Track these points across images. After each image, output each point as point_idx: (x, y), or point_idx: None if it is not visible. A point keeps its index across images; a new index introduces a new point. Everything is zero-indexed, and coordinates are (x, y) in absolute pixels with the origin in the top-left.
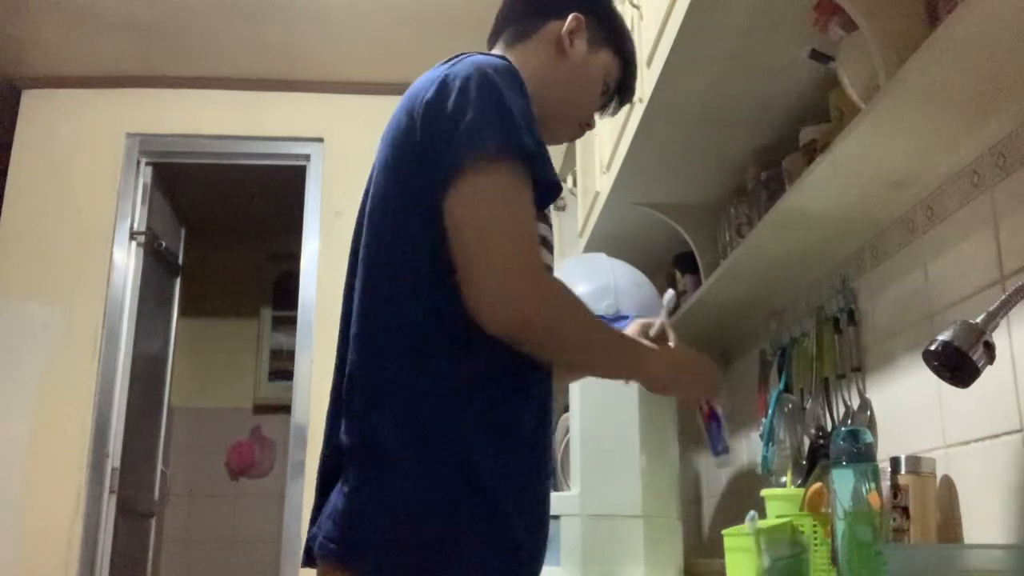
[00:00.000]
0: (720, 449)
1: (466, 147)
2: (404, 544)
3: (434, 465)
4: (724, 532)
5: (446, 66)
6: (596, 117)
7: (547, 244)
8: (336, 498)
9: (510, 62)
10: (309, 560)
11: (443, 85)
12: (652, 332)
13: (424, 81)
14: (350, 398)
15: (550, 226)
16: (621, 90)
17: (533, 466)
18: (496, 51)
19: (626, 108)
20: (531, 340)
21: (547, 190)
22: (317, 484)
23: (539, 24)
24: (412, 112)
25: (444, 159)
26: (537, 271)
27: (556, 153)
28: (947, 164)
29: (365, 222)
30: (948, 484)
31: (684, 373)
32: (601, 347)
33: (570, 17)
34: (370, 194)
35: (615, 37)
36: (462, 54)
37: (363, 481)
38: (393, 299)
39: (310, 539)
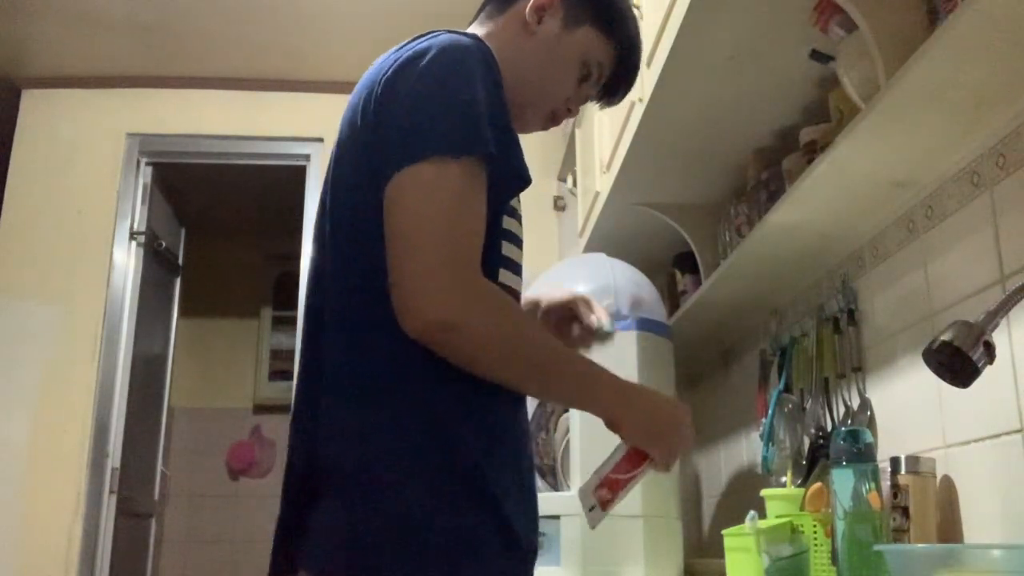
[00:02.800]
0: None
1: (413, 143)
2: (420, 565)
3: (436, 474)
4: (724, 532)
5: (412, 44)
6: (596, 107)
7: (515, 240)
8: (329, 515)
9: (481, 40)
10: (275, 568)
11: (405, 65)
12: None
13: (386, 58)
14: (336, 405)
15: (519, 221)
16: (618, 76)
17: (520, 455)
18: (471, 29)
19: (626, 108)
20: (452, 347)
21: (510, 183)
22: (291, 495)
23: (513, 1)
24: (372, 90)
25: (391, 151)
26: (465, 271)
27: (556, 153)
28: (947, 164)
29: (329, 212)
30: (948, 484)
31: (656, 423)
32: (541, 368)
33: None
34: (330, 183)
35: (601, 14)
36: (431, 32)
37: (361, 496)
38: (366, 297)
39: (287, 557)
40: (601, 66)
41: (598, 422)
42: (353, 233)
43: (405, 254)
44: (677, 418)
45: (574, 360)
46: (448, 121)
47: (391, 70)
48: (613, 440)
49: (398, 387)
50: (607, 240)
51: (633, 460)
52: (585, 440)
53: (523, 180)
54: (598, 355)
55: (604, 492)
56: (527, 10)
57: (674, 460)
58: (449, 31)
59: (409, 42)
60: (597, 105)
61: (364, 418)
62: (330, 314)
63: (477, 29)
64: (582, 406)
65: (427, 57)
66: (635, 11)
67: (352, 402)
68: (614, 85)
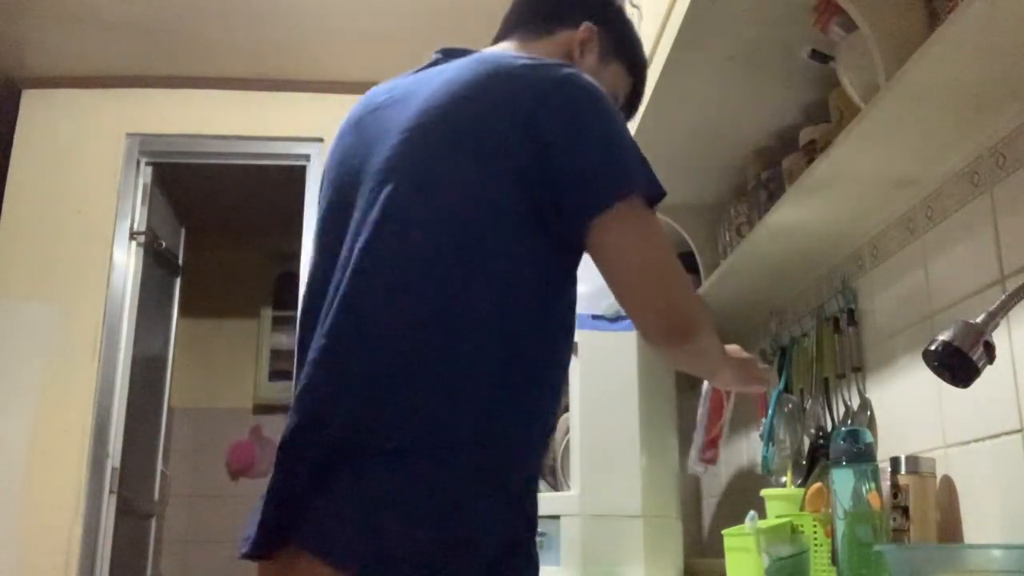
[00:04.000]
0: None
1: (613, 185)
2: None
3: (499, 491)
4: (724, 532)
5: (539, 68)
6: None
7: None
8: (349, 501)
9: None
10: (265, 544)
11: (572, 98)
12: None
13: (524, 82)
14: (396, 384)
15: None
16: (629, 103)
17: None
18: (509, 45)
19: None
20: (685, 348)
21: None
22: (301, 466)
23: (552, 28)
24: (514, 114)
25: (591, 188)
26: (694, 296)
27: None
28: (947, 164)
29: (407, 205)
30: (948, 484)
31: (741, 374)
32: (714, 353)
33: (583, 27)
34: (396, 171)
35: (626, 51)
36: (536, 58)
37: (403, 484)
38: (473, 297)
39: (277, 528)
40: (619, 97)
41: (598, 422)
42: (468, 229)
43: (648, 287)
44: (747, 361)
45: (720, 349)
46: (636, 163)
47: (553, 103)
48: (613, 439)
49: (485, 387)
50: None
51: (716, 412)
52: (585, 440)
53: (663, 193)
54: (602, 351)
55: (709, 453)
56: (575, 42)
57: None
58: (560, 63)
59: (521, 58)
60: None
61: (447, 407)
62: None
63: (519, 48)
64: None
65: (589, 93)
66: (635, 11)
67: (437, 388)
68: (629, 110)
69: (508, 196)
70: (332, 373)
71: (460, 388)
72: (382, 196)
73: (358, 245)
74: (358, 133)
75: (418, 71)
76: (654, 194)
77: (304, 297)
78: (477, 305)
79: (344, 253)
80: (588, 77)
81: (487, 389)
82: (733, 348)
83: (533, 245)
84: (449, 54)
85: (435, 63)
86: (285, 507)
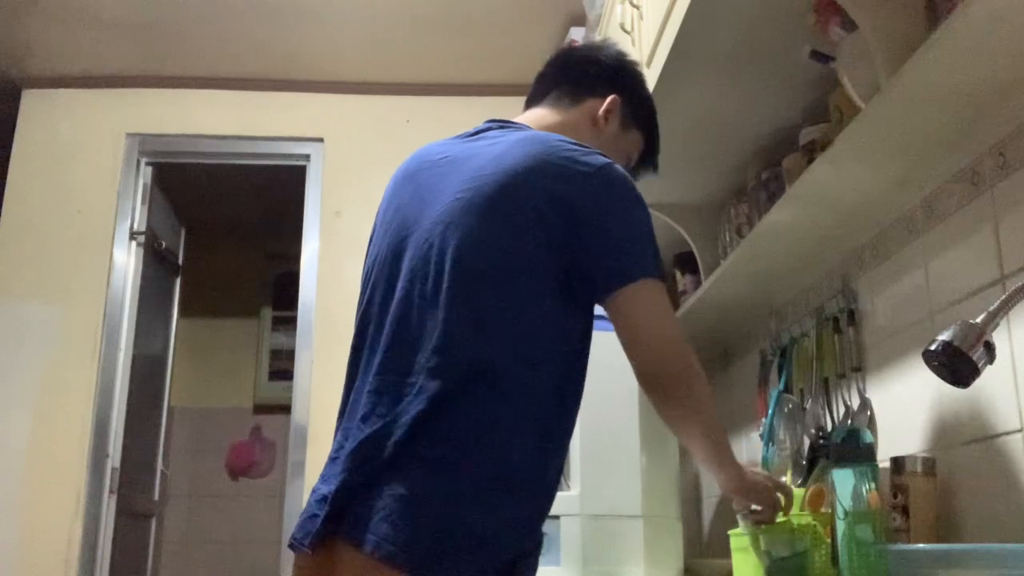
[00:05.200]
0: None
1: (639, 265)
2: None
3: (532, 499)
4: (730, 533)
5: (580, 156)
6: None
7: None
8: (402, 502)
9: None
10: (321, 538)
11: (602, 185)
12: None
13: (563, 163)
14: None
15: None
16: (644, 162)
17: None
18: (544, 113)
19: None
20: (675, 394)
21: None
22: (355, 463)
23: (583, 97)
24: (552, 193)
25: (611, 266)
26: (689, 350)
27: None
28: (947, 164)
29: (452, 269)
30: (948, 484)
31: (752, 492)
32: (711, 424)
33: (609, 98)
34: (451, 233)
35: (645, 120)
36: (583, 146)
37: (455, 487)
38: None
39: (327, 521)
40: (633, 157)
41: (598, 422)
42: (506, 293)
43: (660, 339)
44: (766, 487)
45: (723, 437)
46: (653, 251)
47: (577, 175)
48: (613, 439)
49: (528, 411)
50: None
51: None
52: (585, 440)
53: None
54: (602, 351)
55: None
56: (600, 111)
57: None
58: (600, 153)
59: (567, 145)
60: None
61: (491, 420)
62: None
63: (549, 115)
64: (707, 465)
65: (617, 181)
66: (635, 11)
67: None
68: (644, 169)
69: (542, 261)
70: (387, 401)
71: (488, 421)
72: (435, 248)
73: (416, 291)
74: (415, 185)
75: (469, 137)
76: (659, 275)
77: (356, 334)
78: (508, 351)
79: (399, 294)
80: (620, 168)
81: (512, 421)
82: (762, 473)
83: (559, 304)
84: (501, 125)
85: (486, 130)
86: (339, 505)
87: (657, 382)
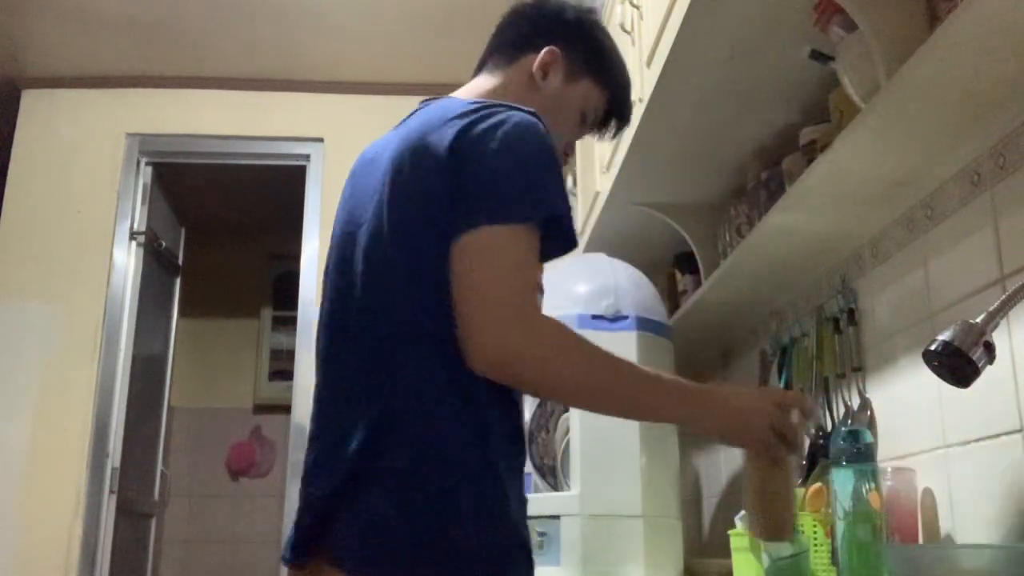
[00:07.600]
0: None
1: (493, 207)
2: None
3: (485, 491)
4: (731, 532)
5: (477, 110)
6: (595, 140)
7: (542, 289)
8: (374, 516)
9: (539, 117)
10: (303, 551)
11: (485, 131)
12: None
13: (436, 114)
14: (398, 411)
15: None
16: (611, 116)
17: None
18: (478, 80)
19: None
20: (522, 378)
21: (561, 245)
22: (328, 482)
23: (517, 56)
24: (430, 141)
25: (471, 206)
26: (529, 313)
27: None
28: (947, 164)
29: (385, 245)
30: (947, 484)
31: (740, 416)
32: (621, 389)
33: (543, 51)
34: (379, 217)
35: (597, 66)
36: (491, 104)
37: (413, 498)
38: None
39: (309, 538)
40: (596, 111)
41: (598, 422)
42: (413, 267)
43: (477, 302)
44: (758, 404)
45: (655, 379)
46: (521, 190)
47: (464, 131)
48: (613, 439)
49: (448, 403)
50: (607, 240)
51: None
52: (585, 440)
53: (572, 245)
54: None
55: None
56: (533, 67)
57: (772, 447)
58: (512, 106)
59: (468, 102)
60: (596, 138)
61: (426, 427)
62: (395, 331)
63: (483, 81)
64: (674, 420)
65: (503, 128)
66: (635, 11)
67: (413, 413)
68: (606, 122)
69: (441, 219)
70: (348, 406)
71: (444, 421)
72: (364, 245)
73: (357, 292)
74: (352, 186)
75: (399, 126)
76: (527, 219)
77: (318, 330)
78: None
79: (328, 305)
80: (523, 117)
81: (471, 425)
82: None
83: None
84: (427, 102)
85: (414, 112)
86: (317, 517)
87: (491, 367)
